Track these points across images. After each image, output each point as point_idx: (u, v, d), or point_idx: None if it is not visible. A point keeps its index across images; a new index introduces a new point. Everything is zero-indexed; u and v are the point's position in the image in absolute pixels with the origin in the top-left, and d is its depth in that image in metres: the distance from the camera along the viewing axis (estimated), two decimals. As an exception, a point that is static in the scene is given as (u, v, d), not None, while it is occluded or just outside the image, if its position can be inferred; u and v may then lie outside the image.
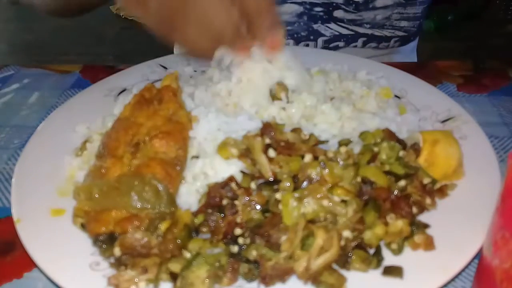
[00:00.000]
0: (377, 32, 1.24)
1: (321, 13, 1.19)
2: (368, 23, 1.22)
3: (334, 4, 1.18)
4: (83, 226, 0.65)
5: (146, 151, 0.70)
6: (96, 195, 0.64)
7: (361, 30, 1.23)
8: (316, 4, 1.18)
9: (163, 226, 0.62)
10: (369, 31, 1.23)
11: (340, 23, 1.21)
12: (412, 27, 1.27)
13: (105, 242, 0.61)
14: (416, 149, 0.71)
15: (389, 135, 0.72)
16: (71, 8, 1.09)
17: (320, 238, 0.59)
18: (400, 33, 1.26)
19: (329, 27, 1.22)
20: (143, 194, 0.63)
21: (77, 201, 0.65)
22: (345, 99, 0.85)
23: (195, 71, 1.00)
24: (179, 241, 0.61)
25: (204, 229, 0.64)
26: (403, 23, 1.24)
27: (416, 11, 1.24)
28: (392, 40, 1.26)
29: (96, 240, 0.62)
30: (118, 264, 0.60)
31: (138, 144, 0.71)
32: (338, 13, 1.19)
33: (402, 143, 0.71)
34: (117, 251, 0.60)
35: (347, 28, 1.22)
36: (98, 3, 1.08)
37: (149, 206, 0.63)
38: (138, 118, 0.75)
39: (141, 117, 0.75)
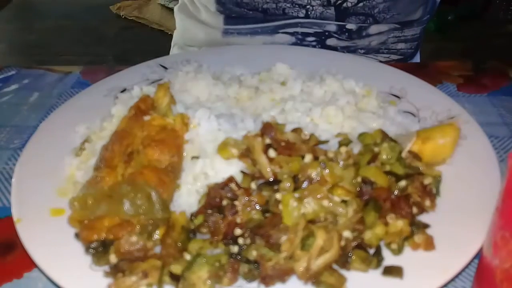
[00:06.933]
0: (371, 58, 1.22)
1: (314, 43, 1.18)
2: (362, 48, 1.20)
3: (327, 33, 1.16)
4: (77, 235, 0.65)
5: (139, 160, 0.70)
6: (90, 204, 0.64)
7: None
8: (308, 34, 1.17)
9: (159, 232, 0.62)
10: (363, 57, 1.21)
11: (333, 50, 1.19)
12: (410, 48, 1.25)
13: (98, 249, 0.61)
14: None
15: (382, 135, 0.72)
16: None
17: (320, 238, 0.59)
18: (396, 57, 1.24)
19: None
20: (136, 201, 0.63)
21: (72, 211, 0.65)
22: (348, 99, 0.85)
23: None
24: (179, 244, 0.61)
25: (204, 230, 0.64)
26: (400, 45, 1.23)
27: (414, 33, 1.22)
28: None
29: (88, 247, 0.62)
30: (115, 271, 0.59)
31: (132, 153, 0.72)
32: (331, 41, 1.18)
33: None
34: (113, 258, 0.60)
35: None
36: None
37: (141, 212, 0.63)
38: (133, 129, 0.75)
39: (136, 127, 0.75)
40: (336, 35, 1.16)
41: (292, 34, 1.17)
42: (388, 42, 1.21)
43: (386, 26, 1.17)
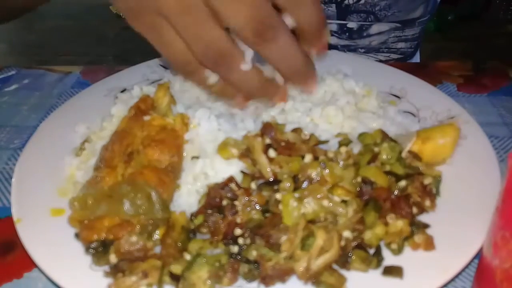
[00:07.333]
0: (372, 57, 1.22)
1: None
2: (363, 48, 1.20)
3: None
4: (77, 235, 0.65)
5: (139, 160, 0.70)
6: (90, 204, 0.64)
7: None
8: None
9: (159, 232, 0.62)
10: (363, 56, 1.22)
11: (333, 50, 1.19)
12: (410, 47, 1.25)
13: (98, 249, 0.61)
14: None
15: (382, 135, 0.72)
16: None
17: (320, 238, 0.59)
18: (396, 56, 1.24)
19: None
20: (136, 201, 0.63)
21: (72, 211, 0.65)
22: (348, 99, 0.85)
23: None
24: (179, 244, 0.61)
25: (204, 230, 0.64)
26: (400, 45, 1.22)
27: (414, 32, 1.22)
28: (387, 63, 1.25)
29: (88, 247, 0.62)
30: (115, 271, 0.59)
31: (132, 153, 0.72)
32: (331, 40, 1.18)
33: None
34: (113, 258, 0.60)
35: None
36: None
37: (141, 212, 0.63)
38: (133, 129, 0.75)
39: (136, 127, 0.75)
40: (337, 35, 1.16)
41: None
42: (389, 42, 1.21)
43: (387, 25, 1.17)
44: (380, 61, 1.22)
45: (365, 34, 1.17)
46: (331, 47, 1.18)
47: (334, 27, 1.15)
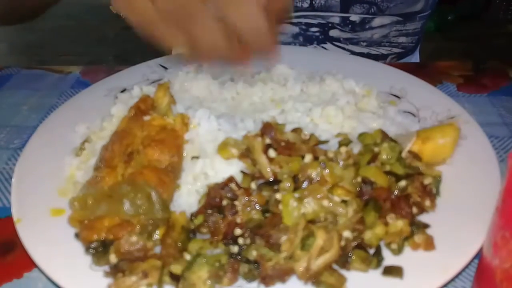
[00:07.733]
0: (373, 51, 1.23)
1: (317, 33, 1.18)
2: (365, 41, 1.21)
3: (330, 25, 1.17)
4: (77, 235, 0.65)
5: (139, 160, 0.70)
6: (90, 204, 0.64)
7: (357, 49, 1.22)
8: (312, 25, 1.17)
9: (160, 232, 0.62)
10: (365, 50, 1.22)
11: (336, 43, 1.20)
12: (411, 42, 1.26)
13: (98, 249, 0.61)
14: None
15: (382, 135, 0.72)
16: (18, 12, 1.02)
17: (320, 238, 0.59)
18: (397, 50, 1.25)
19: (324, 48, 1.21)
20: (136, 201, 0.63)
21: (72, 211, 0.65)
22: (348, 99, 0.85)
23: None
24: (179, 244, 0.61)
25: (204, 230, 0.64)
26: (401, 39, 1.23)
27: (415, 27, 1.23)
28: (388, 57, 1.26)
29: (88, 247, 0.62)
30: (115, 271, 0.59)
31: (132, 153, 0.72)
32: (334, 32, 1.19)
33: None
34: (113, 258, 0.60)
35: (343, 48, 1.22)
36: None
37: (141, 212, 0.63)
38: (133, 129, 0.75)
39: (136, 127, 0.75)
40: (339, 27, 1.16)
41: (296, 24, 1.17)
42: (390, 36, 1.22)
43: (388, 19, 1.18)
44: (382, 54, 1.23)
45: (367, 27, 1.17)
46: (333, 39, 1.19)
47: (336, 19, 1.16)
